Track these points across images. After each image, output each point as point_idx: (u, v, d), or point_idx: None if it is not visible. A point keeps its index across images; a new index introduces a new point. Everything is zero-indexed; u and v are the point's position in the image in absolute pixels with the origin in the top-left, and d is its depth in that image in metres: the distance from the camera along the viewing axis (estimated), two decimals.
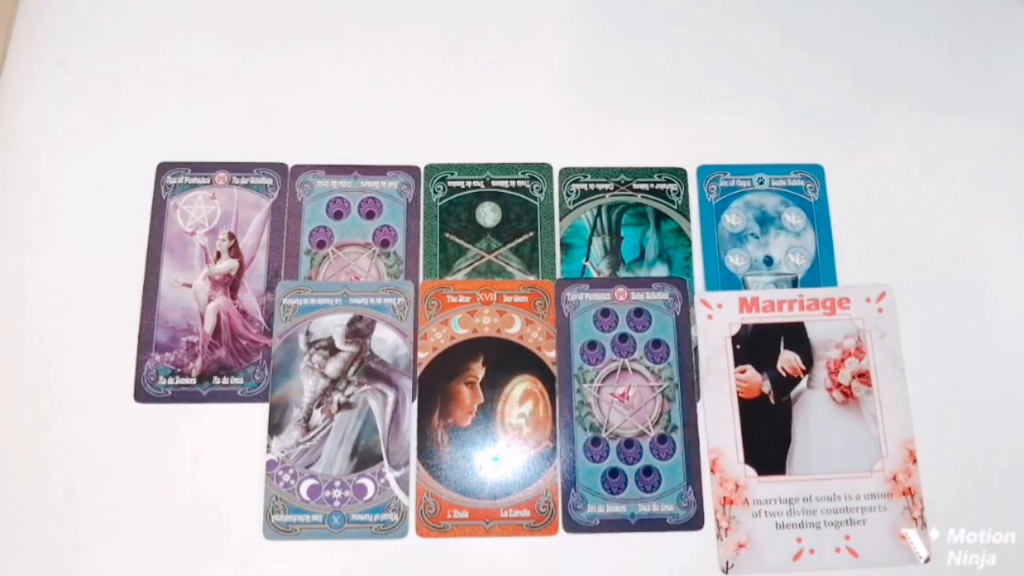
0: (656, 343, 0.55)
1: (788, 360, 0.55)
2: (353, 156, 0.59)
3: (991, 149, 0.60)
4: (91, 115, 0.59)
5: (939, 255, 0.58)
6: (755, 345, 0.55)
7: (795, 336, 0.56)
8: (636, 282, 0.57)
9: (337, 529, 0.52)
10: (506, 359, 0.55)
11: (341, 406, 0.54)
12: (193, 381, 0.54)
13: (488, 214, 0.58)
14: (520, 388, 0.54)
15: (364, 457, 0.53)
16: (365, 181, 0.58)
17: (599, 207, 0.58)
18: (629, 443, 0.54)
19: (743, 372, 0.55)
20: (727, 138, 0.60)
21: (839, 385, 0.55)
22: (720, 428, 0.54)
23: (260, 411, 0.54)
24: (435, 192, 0.58)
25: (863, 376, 0.55)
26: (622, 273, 0.57)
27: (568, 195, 0.58)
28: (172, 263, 0.56)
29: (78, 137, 0.58)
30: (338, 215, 0.57)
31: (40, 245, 0.56)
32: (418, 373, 0.55)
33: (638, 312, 0.56)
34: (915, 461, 0.53)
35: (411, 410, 0.54)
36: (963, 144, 0.61)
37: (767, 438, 0.54)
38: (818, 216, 0.58)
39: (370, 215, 0.58)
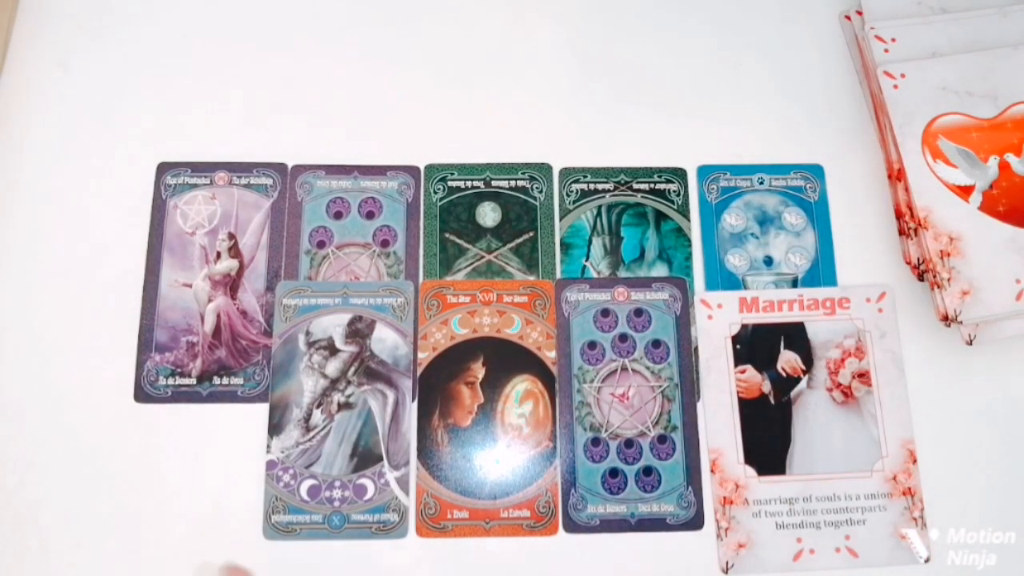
0: (656, 343, 0.55)
1: (788, 360, 0.55)
2: (353, 156, 0.59)
3: None
4: (91, 115, 0.59)
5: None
6: (755, 345, 0.55)
7: (795, 336, 0.56)
8: (636, 282, 0.57)
9: (337, 529, 0.52)
10: (506, 359, 0.55)
11: (341, 406, 0.54)
12: (193, 381, 0.54)
13: (488, 214, 0.58)
14: (520, 388, 0.54)
15: (364, 457, 0.53)
16: (365, 181, 0.58)
17: (599, 207, 0.58)
18: (629, 443, 0.54)
19: (743, 372, 0.55)
20: (727, 138, 0.60)
21: (839, 385, 0.55)
22: (720, 428, 0.54)
23: (260, 411, 0.54)
24: (435, 192, 0.58)
25: (863, 376, 0.55)
26: (622, 273, 0.57)
27: (568, 195, 0.58)
28: (172, 263, 0.56)
29: (78, 137, 0.58)
30: (338, 215, 0.57)
31: (40, 245, 0.56)
32: (418, 373, 0.54)
33: (638, 312, 0.56)
34: (915, 461, 0.53)
35: (411, 410, 0.54)
36: None
37: (767, 438, 0.54)
38: (818, 216, 0.58)
39: (370, 215, 0.58)
